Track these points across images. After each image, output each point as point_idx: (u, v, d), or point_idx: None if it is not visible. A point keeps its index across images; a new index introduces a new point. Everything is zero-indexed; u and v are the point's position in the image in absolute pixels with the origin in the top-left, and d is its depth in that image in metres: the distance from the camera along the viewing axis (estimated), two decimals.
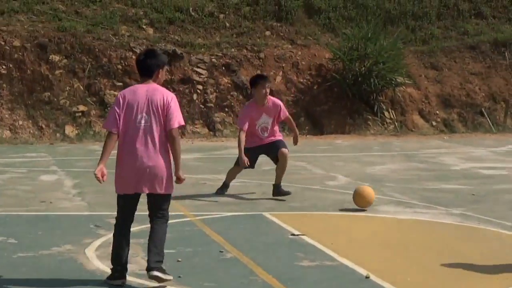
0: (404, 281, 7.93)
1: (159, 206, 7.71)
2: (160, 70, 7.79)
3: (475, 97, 24.79)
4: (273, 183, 12.70)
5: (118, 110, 7.64)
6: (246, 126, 12.26)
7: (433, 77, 24.90)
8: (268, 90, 12.38)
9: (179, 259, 8.56)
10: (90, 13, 24.08)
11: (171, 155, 7.65)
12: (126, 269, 7.66)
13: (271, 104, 12.49)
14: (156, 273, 7.48)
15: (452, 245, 9.70)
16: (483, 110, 24.52)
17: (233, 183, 14.05)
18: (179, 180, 7.65)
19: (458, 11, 27.06)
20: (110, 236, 9.34)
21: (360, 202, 11.64)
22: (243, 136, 12.22)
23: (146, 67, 7.76)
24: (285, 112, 12.77)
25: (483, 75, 25.37)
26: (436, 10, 26.81)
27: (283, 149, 12.47)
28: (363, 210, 11.68)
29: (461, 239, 10.04)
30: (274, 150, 12.56)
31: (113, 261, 7.65)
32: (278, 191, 12.61)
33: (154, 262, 7.54)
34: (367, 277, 8.01)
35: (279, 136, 12.72)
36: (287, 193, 12.58)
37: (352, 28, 24.88)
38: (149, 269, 7.53)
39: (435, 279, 8.10)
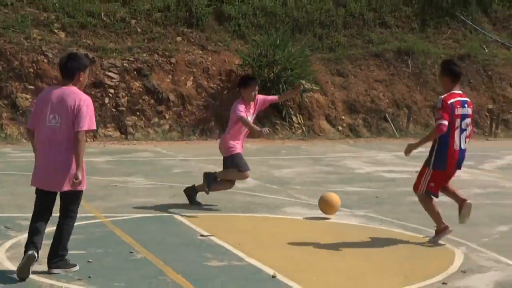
0: (309, 280, 8.01)
1: (67, 203, 7.90)
2: (81, 73, 7.94)
3: (379, 103, 25.17)
4: (195, 184, 12.27)
5: (35, 109, 7.97)
6: (245, 114, 11.72)
7: (339, 83, 25.21)
8: (256, 92, 11.88)
9: (90, 260, 8.49)
10: (1, 16, 23.67)
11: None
12: (37, 250, 7.79)
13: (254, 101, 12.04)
14: (56, 270, 7.86)
15: (356, 245, 9.83)
16: (387, 116, 24.93)
17: (143, 185, 14.04)
18: (75, 179, 7.68)
19: (363, 20, 27.47)
20: (20, 237, 9.27)
21: (327, 210, 11.47)
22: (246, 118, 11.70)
23: (67, 70, 7.92)
24: (268, 97, 12.51)
25: (387, 82, 25.80)
26: (342, 19, 27.16)
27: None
28: (270, 212, 11.79)
29: (365, 240, 10.17)
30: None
31: (25, 248, 7.76)
32: (192, 195, 12.20)
33: (54, 263, 7.89)
34: (273, 277, 8.07)
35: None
36: (197, 203, 12.17)
37: (261, 35, 25.01)
38: (49, 267, 7.90)
39: (339, 278, 8.21)
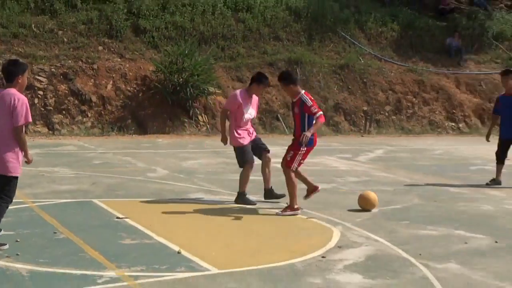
0: (209, 255, 8.00)
1: (1, 186, 8.01)
2: (20, 76, 8.08)
3: (272, 105, 25.30)
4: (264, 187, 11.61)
5: None
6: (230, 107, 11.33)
7: (239, 88, 25.15)
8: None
9: (18, 240, 8.34)
10: None
11: (16, 145, 7.98)
12: None
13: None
14: None
15: (250, 224, 9.87)
16: (279, 116, 25.07)
17: (67, 174, 13.81)
18: (28, 161, 8.24)
19: (260, 34, 27.55)
20: None
21: (366, 205, 11.11)
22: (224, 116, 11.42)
23: (8, 74, 8.08)
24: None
25: (279, 87, 25.81)
26: (242, 33, 27.18)
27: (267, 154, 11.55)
28: (178, 198, 11.74)
29: (258, 220, 10.23)
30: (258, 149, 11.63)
31: None
32: (271, 195, 11.59)
33: None
34: (178, 252, 8.05)
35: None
36: (281, 196, 11.50)
37: (172, 46, 24.85)
38: None
39: (235, 253, 8.23)
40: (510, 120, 14.06)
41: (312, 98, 10.64)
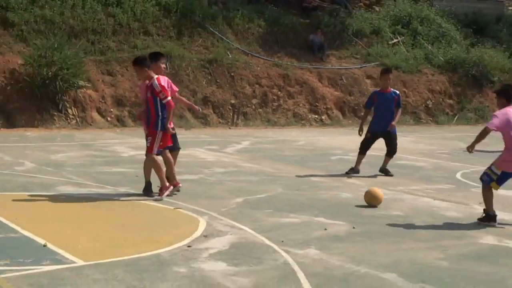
0: (75, 247, 7.81)
1: None
2: None
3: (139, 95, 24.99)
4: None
5: None
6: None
7: (109, 81, 24.81)
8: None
9: None
10: None
11: None
12: None
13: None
14: None
15: (118, 217, 9.73)
16: None
17: None
18: None
19: (130, 29, 27.16)
20: None
21: (374, 201, 10.93)
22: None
23: None
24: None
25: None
26: (112, 27, 26.71)
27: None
28: (45, 191, 11.42)
29: (125, 212, 10.09)
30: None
31: None
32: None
33: None
34: (44, 245, 7.83)
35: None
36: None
37: (41, 39, 24.16)
38: None
39: (101, 245, 8.07)
40: (383, 115, 14.32)
41: (163, 85, 10.79)
